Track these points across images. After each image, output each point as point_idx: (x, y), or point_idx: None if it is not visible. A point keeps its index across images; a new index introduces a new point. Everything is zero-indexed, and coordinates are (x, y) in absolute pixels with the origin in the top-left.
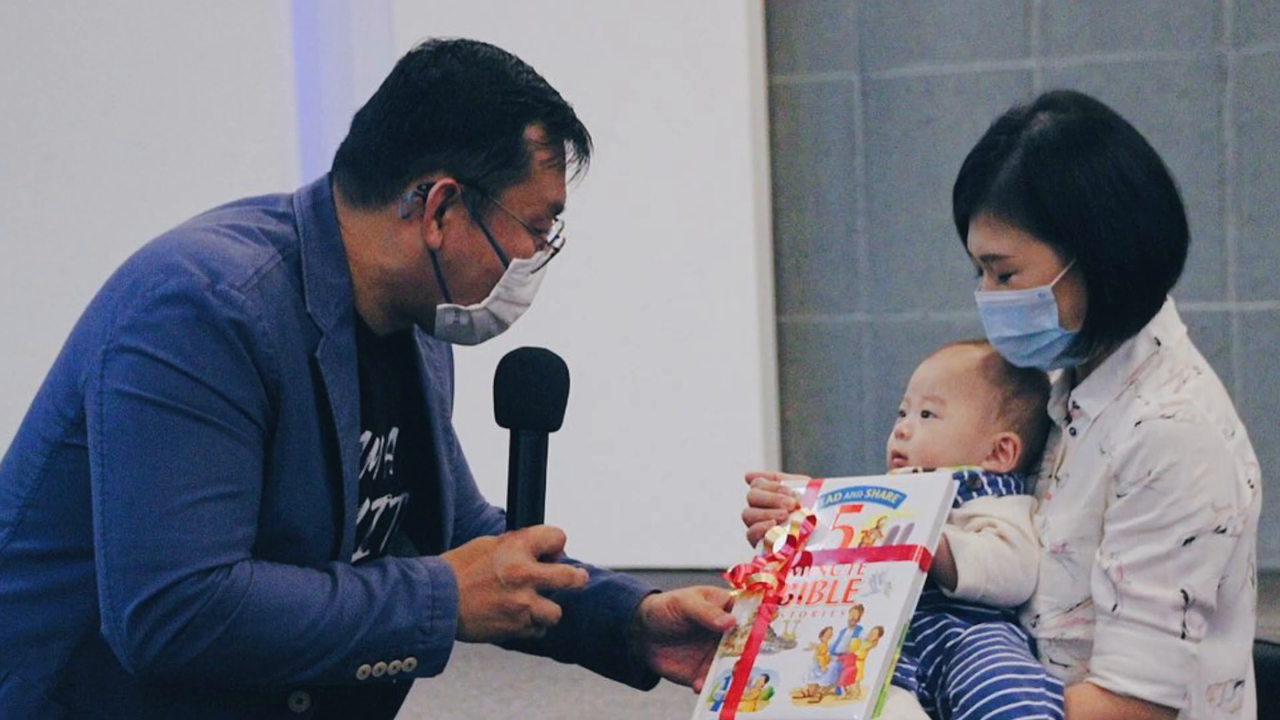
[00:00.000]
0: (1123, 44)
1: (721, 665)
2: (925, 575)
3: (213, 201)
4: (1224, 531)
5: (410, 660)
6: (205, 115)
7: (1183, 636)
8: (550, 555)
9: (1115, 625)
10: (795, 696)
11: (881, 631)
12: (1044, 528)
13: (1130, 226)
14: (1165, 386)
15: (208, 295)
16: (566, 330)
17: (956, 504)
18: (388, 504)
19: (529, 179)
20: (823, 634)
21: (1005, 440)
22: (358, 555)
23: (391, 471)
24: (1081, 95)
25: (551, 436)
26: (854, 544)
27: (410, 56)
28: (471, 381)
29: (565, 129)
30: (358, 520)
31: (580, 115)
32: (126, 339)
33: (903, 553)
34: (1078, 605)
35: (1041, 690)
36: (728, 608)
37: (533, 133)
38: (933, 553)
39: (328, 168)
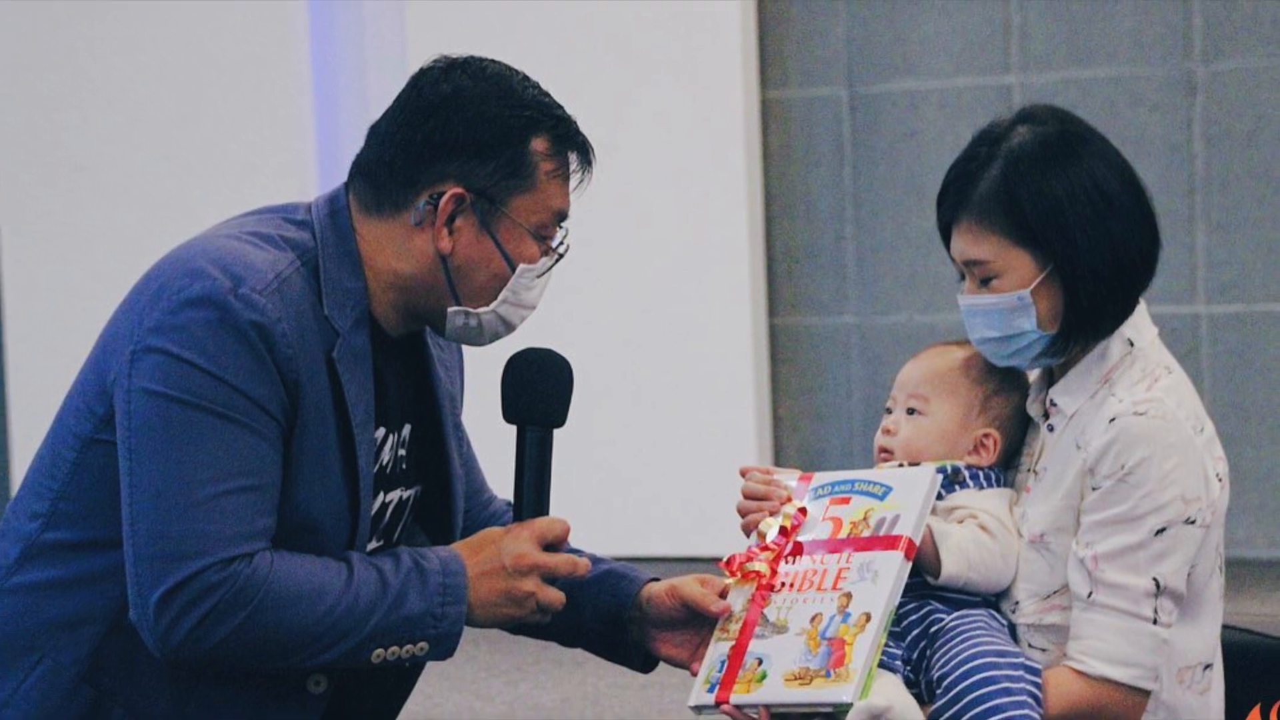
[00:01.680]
0: (1098, 61)
1: (717, 649)
2: (910, 564)
3: (235, 209)
4: (1193, 523)
5: (422, 644)
6: (228, 128)
7: (1154, 622)
8: (555, 545)
9: (1090, 611)
10: (787, 679)
11: (869, 617)
12: (1023, 519)
13: (1105, 233)
14: (1138, 385)
15: (230, 299)
16: (570, 332)
17: (940, 497)
18: (401, 496)
19: (535, 188)
20: (813, 620)
21: (986, 436)
22: (372, 545)
23: (405, 466)
24: (1058, 109)
25: (556, 432)
26: (843, 534)
27: (422, 72)
28: (480, 380)
29: (569, 141)
30: (372, 512)
31: (583, 127)
32: (153, 340)
33: (889, 543)
34: (1055, 592)
35: (1021, 673)
36: (723, 595)
37: (538, 144)
38: (917, 543)
39: (344, 178)
